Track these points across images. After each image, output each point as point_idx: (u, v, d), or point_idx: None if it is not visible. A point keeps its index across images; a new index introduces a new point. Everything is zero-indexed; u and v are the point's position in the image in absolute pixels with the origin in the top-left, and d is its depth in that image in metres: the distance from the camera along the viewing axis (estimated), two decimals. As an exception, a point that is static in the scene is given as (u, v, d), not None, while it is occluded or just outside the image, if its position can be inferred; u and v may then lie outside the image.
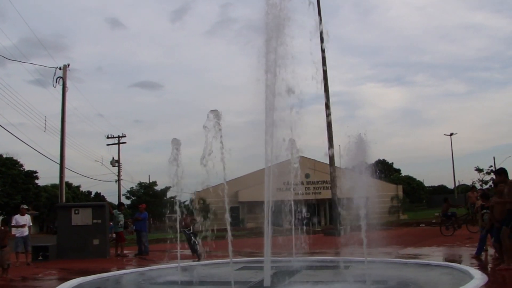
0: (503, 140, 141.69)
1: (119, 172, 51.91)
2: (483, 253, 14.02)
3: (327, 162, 63.59)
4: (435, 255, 15.66)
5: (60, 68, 29.32)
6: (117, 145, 51.74)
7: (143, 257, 19.06)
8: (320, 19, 29.09)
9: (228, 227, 9.61)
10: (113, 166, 51.08)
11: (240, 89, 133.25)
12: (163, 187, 67.78)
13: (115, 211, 20.63)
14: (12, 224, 17.48)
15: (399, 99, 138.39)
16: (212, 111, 9.17)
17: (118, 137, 51.43)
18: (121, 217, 20.48)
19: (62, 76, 29.13)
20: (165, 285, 10.61)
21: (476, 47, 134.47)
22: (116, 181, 51.62)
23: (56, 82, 28.98)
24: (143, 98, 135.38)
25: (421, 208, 76.96)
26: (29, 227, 17.56)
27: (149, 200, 53.45)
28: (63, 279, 12.86)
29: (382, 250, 17.63)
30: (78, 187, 69.81)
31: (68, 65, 29.58)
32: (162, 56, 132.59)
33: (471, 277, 9.72)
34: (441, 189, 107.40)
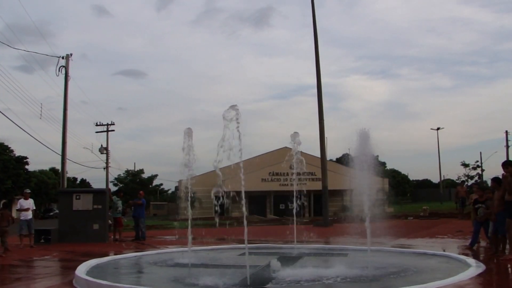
0: (489, 135, 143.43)
1: (107, 159, 52.31)
2: (476, 245, 14.73)
3: (314, 154, 64.54)
4: (428, 245, 16.31)
5: (62, 58, 29.66)
6: (105, 133, 52.21)
7: (140, 242, 19.64)
8: (314, 22, 29.62)
9: (245, 214, 10.03)
10: (101, 153, 51.48)
11: (224, 79, 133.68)
12: (149, 174, 68.48)
13: (114, 197, 21.17)
14: (17, 208, 18.00)
15: (384, 92, 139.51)
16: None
17: (107, 124, 51.77)
18: (120, 203, 21.03)
19: (65, 66, 29.45)
20: (178, 267, 11.17)
21: (463, 41, 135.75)
22: (104, 168, 52.07)
23: (59, 71, 29.36)
24: (128, 86, 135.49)
25: (406, 202, 78.02)
26: (33, 211, 18.12)
27: (136, 187, 53.87)
28: (73, 260, 13.45)
29: (377, 240, 18.34)
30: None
31: (71, 54, 29.92)
32: (147, 44, 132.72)
33: (468, 265, 10.39)
34: (426, 183, 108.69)
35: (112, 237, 20.40)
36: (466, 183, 62.13)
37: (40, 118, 32.09)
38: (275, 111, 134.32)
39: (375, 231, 22.85)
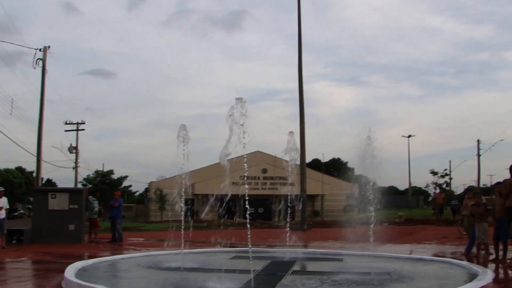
0: (456, 144, 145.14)
1: (76, 159, 51.02)
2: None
3: (286, 158, 64.18)
4: (420, 251, 15.92)
5: (40, 50, 28.61)
6: (74, 132, 51.01)
7: (118, 244, 18.85)
8: (299, 32, 29.17)
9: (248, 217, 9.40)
10: (70, 152, 50.21)
11: (194, 82, 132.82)
12: (119, 175, 67.19)
13: (91, 197, 20.29)
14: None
15: (352, 99, 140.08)
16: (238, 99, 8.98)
17: (77, 123, 50.53)
18: (96, 203, 20.24)
19: (42, 58, 28.41)
20: (170, 271, 10.45)
21: (432, 51, 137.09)
22: (73, 168, 50.77)
23: (36, 64, 28.28)
24: (96, 86, 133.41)
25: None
26: (6, 210, 17.15)
27: (105, 188, 52.70)
28: (53, 262, 12.67)
29: (364, 245, 17.87)
30: (32, 172, 68.24)
31: (49, 47, 28.89)
32: (116, 44, 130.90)
33: (474, 271, 9.94)
34: (392, 190, 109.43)
35: (88, 238, 19.55)
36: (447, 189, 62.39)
37: (11, 114, 30.98)
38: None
39: (356, 236, 22.53)
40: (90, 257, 13.47)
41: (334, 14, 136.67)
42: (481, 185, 69.45)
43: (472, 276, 9.48)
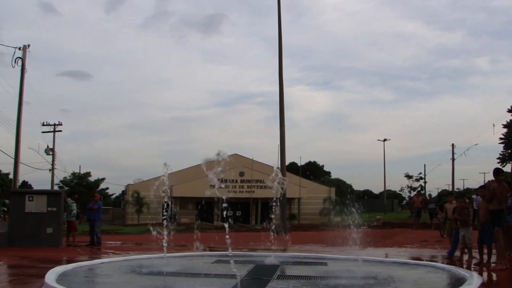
0: (430, 148, 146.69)
1: (53, 160, 50.24)
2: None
3: (263, 161, 63.99)
4: (402, 254, 15.78)
5: (20, 48, 27.96)
6: (51, 133, 50.24)
7: (96, 247, 18.42)
8: (280, 37, 28.95)
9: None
10: (47, 154, 49.40)
11: (171, 84, 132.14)
12: (96, 177, 66.38)
13: (69, 200, 19.79)
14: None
15: (326, 103, 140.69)
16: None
17: (54, 125, 49.75)
18: (74, 206, 19.76)
19: (22, 57, 27.77)
20: (153, 275, 10.11)
21: (404, 57, 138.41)
22: (50, 170, 50.00)
23: (15, 62, 27.62)
24: (72, 87, 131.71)
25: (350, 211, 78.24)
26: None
27: (82, 190, 51.96)
28: (31, 267, 12.27)
29: (345, 249, 17.67)
30: (7, 174, 67.05)
31: (29, 45, 28.26)
32: (94, 46, 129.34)
33: (462, 276, 9.78)
34: (367, 193, 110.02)
35: (66, 241, 19.05)
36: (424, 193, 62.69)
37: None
38: (219, 119, 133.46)
39: (337, 239, 22.36)
40: (69, 261, 13.07)
41: (309, 19, 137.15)
42: (455, 189, 69.95)
43: (460, 281, 9.30)
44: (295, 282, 9.52)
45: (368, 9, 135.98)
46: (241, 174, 60.24)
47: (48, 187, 47.45)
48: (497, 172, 12.20)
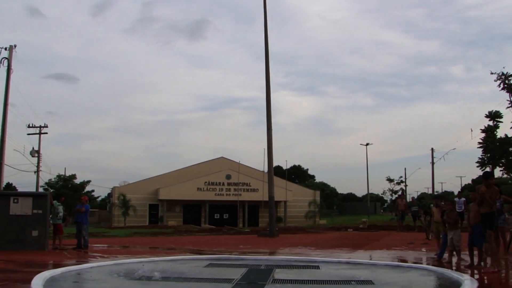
0: (409, 153, 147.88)
1: (38, 163, 49.43)
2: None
3: (250, 165, 63.66)
4: (393, 257, 15.49)
5: (6, 49, 27.31)
6: (37, 135, 49.50)
7: (83, 250, 17.90)
8: (266, 43, 28.59)
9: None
10: (32, 156, 48.60)
11: (157, 88, 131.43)
12: (81, 180, 65.50)
13: (55, 202, 19.20)
14: None
15: (310, 108, 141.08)
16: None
17: (40, 127, 49.03)
18: (61, 208, 19.20)
19: (8, 57, 27.12)
20: (145, 280, 9.66)
21: (384, 64, 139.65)
22: (35, 172, 49.15)
23: (1, 63, 26.97)
24: (58, 90, 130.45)
25: (335, 214, 78.29)
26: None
27: (67, 193, 51.11)
28: (17, 271, 11.76)
29: (336, 251, 17.41)
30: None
31: (15, 46, 27.62)
32: (80, 49, 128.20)
33: (456, 278, 9.50)
34: (350, 197, 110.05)
35: (52, 244, 18.50)
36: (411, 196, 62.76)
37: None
38: (205, 122, 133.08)
39: (327, 242, 22.09)
40: (56, 265, 12.58)
41: (293, 26, 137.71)
42: (435, 192, 70.18)
43: (455, 284, 9.01)
44: (291, 286, 9.19)
45: (350, 18, 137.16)
46: (228, 177, 59.92)
47: (33, 189, 46.62)
48: (486, 176, 12.05)
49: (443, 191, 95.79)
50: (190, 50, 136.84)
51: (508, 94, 37.56)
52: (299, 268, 12.09)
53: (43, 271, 9.97)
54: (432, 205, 25.22)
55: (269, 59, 28.25)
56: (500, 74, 37.75)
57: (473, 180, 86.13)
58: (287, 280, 9.89)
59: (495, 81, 37.98)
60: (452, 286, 8.82)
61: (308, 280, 9.82)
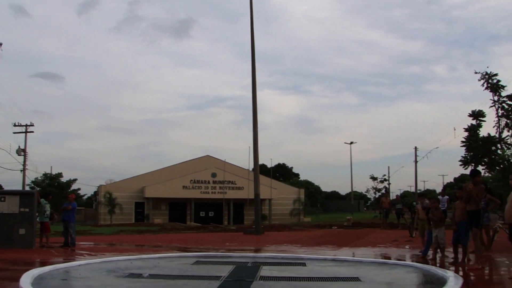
0: (393, 151, 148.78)
1: (24, 161, 49.06)
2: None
3: (235, 163, 63.59)
4: (378, 254, 15.51)
5: (-9, 48, 27.08)
6: (23, 134, 49.13)
7: (70, 248, 17.74)
8: (253, 42, 28.51)
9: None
10: (18, 155, 48.21)
11: (143, 87, 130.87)
12: (68, 178, 65.15)
13: (42, 200, 18.99)
14: None
15: (295, 107, 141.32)
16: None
17: (26, 125, 48.69)
18: (48, 206, 19.00)
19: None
20: (134, 278, 9.57)
21: (369, 63, 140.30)
22: (21, 170, 48.78)
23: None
24: (44, 89, 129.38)
25: (319, 212, 78.50)
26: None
27: (54, 191, 50.74)
28: (3, 269, 11.60)
29: (322, 248, 17.40)
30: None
31: (1, 44, 27.37)
32: (66, 48, 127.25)
33: (441, 276, 9.53)
34: (334, 195, 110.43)
35: (39, 242, 18.32)
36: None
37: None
38: (191, 121, 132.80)
39: (312, 239, 22.09)
40: (44, 263, 12.43)
41: (278, 26, 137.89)
42: (417, 190, 70.54)
43: (440, 280, 9.03)
44: (278, 283, 9.15)
45: (335, 18, 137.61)
46: (213, 175, 59.89)
47: (19, 188, 46.21)
48: (473, 174, 12.09)
49: (425, 189, 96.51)
50: (175, 49, 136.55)
51: (491, 93, 37.71)
52: (286, 265, 12.04)
53: (31, 269, 9.90)
54: (415, 203, 25.41)
55: (255, 58, 28.18)
56: (484, 73, 37.90)
57: (455, 179, 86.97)
58: (274, 277, 9.83)
59: (479, 80, 38.15)
60: (437, 283, 8.82)
61: (295, 277, 9.81)
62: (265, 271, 10.71)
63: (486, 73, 38.06)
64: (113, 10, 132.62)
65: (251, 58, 28.25)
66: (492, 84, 37.92)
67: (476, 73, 38.41)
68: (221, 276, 9.59)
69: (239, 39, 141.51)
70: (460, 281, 8.63)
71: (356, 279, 9.61)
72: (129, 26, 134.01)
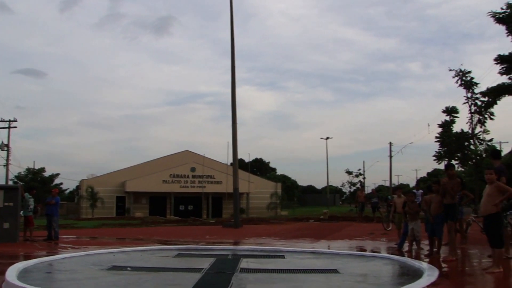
0: (367, 146, 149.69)
1: (7, 156, 48.43)
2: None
3: (214, 158, 63.47)
4: (354, 246, 15.57)
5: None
6: (5, 129, 48.44)
7: (54, 242, 17.54)
8: (232, 39, 28.41)
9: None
10: (2, 150, 47.60)
11: (123, 83, 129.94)
12: (50, 173, 64.50)
13: (26, 195, 18.75)
14: None
15: (272, 103, 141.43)
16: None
17: (9, 121, 47.94)
18: (32, 201, 18.76)
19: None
20: (117, 270, 9.50)
21: (344, 60, 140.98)
22: (4, 165, 48.17)
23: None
24: (27, 85, 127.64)
25: (296, 206, 78.70)
26: None
27: (37, 186, 50.22)
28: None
29: (300, 241, 17.41)
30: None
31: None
32: (48, 45, 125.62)
33: (417, 267, 9.62)
34: (310, 189, 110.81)
35: (23, 236, 18.08)
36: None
37: None
38: (170, 117, 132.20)
39: (290, 232, 22.10)
40: (28, 256, 12.26)
41: (256, 23, 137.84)
42: (392, 184, 71.08)
43: (417, 272, 9.12)
44: (259, 275, 9.16)
45: (312, 15, 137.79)
46: (193, 169, 59.75)
47: (2, 183, 45.62)
48: (447, 167, 12.17)
49: (399, 183, 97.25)
50: (156, 45, 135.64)
51: (465, 90, 38.06)
52: (265, 258, 12.07)
53: (16, 262, 9.79)
54: (390, 197, 25.56)
55: (234, 55, 28.10)
56: (458, 71, 38.24)
57: (428, 173, 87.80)
58: (254, 269, 9.85)
59: (453, 77, 38.46)
60: (413, 274, 8.89)
61: (275, 269, 9.83)
62: (245, 263, 10.72)
63: (460, 71, 38.40)
64: (95, 7, 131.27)
65: (231, 55, 28.15)
66: (466, 81, 38.26)
67: (450, 70, 38.72)
68: (203, 268, 9.59)
69: (218, 36, 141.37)
70: (436, 272, 8.71)
71: (334, 271, 9.65)
72: (111, 23, 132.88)
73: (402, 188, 22.98)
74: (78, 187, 66.16)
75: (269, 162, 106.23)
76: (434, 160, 40.36)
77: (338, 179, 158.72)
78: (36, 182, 56.39)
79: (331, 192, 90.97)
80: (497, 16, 23.13)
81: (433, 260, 11.21)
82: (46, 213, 18.64)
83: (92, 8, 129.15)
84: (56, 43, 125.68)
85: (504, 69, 24.06)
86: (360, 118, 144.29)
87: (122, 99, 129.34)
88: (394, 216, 16.22)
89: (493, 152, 11.71)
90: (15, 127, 48.67)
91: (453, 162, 36.88)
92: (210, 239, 18.83)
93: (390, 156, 66.58)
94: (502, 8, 23.24)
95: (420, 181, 68.81)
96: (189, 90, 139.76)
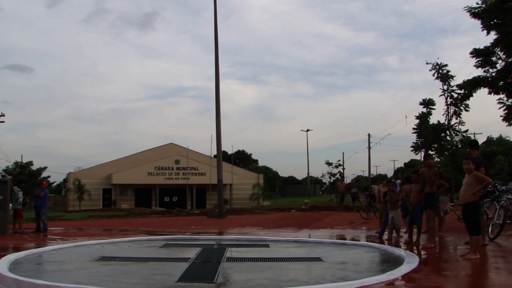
0: (346, 138, 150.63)
1: (-5, 150, 47.87)
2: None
3: (197, 150, 63.31)
4: (336, 235, 15.58)
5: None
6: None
7: (42, 234, 17.34)
8: (216, 34, 28.22)
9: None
10: (-10, 144, 47.09)
11: (109, 78, 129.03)
12: (38, 166, 63.88)
13: (16, 188, 18.50)
14: None
15: (253, 97, 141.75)
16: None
17: (-3, 116, 47.47)
18: (21, 194, 18.51)
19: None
20: (106, 261, 9.38)
21: (324, 55, 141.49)
22: (-8, 159, 47.59)
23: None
24: (14, 80, 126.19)
25: (277, 196, 78.84)
26: None
27: (25, 179, 49.59)
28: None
29: (283, 230, 17.41)
30: None
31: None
32: (35, 40, 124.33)
33: (397, 254, 9.65)
34: (291, 179, 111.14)
35: (12, 229, 17.84)
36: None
37: None
38: (154, 110, 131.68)
39: (273, 222, 22.09)
40: (18, 248, 12.08)
41: (238, 18, 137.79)
42: (370, 175, 71.48)
43: (397, 259, 9.14)
44: (244, 264, 9.12)
45: (292, 11, 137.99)
46: (177, 162, 59.59)
47: (-10, 176, 45.10)
48: (425, 156, 12.28)
49: (377, 174, 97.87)
50: (140, 41, 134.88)
51: (441, 83, 38.34)
52: (250, 247, 12.01)
53: (6, 254, 9.64)
54: (372, 187, 25.59)
55: (218, 49, 27.95)
56: (435, 64, 38.49)
57: (405, 164, 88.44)
58: (240, 258, 9.82)
59: (430, 70, 38.74)
60: (395, 262, 8.91)
61: (260, 258, 9.80)
62: (230, 252, 10.68)
63: (437, 64, 38.72)
64: (82, 3, 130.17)
65: (215, 49, 28.01)
66: (442, 74, 38.58)
67: (427, 63, 39.04)
68: (189, 258, 9.53)
69: (201, 32, 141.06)
70: (417, 259, 8.73)
71: (318, 259, 9.64)
72: (97, 19, 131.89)
73: (383, 177, 23.08)
74: (65, 180, 65.63)
75: (251, 154, 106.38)
76: (412, 150, 40.74)
77: (319, 170, 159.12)
78: (24, 175, 55.80)
79: (312, 182, 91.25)
80: (472, 11, 23.25)
81: (412, 247, 11.27)
82: (35, 205, 18.41)
83: (78, 4, 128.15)
84: (42, 39, 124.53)
85: (480, 62, 24.25)
86: (340, 111, 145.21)
87: (107, 93, 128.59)
88: (377, 205, 16.28)
89: (472, 142, 11.74)
90: (3, 121, 48.34)
91: (430, 152, 37.21)
92: (195, 229, 18.75)
93: (369, 148, 66.88)
94: (477, 3, 23.38)
95: (398, 171, 69.41)
96: (173, 84, 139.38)
